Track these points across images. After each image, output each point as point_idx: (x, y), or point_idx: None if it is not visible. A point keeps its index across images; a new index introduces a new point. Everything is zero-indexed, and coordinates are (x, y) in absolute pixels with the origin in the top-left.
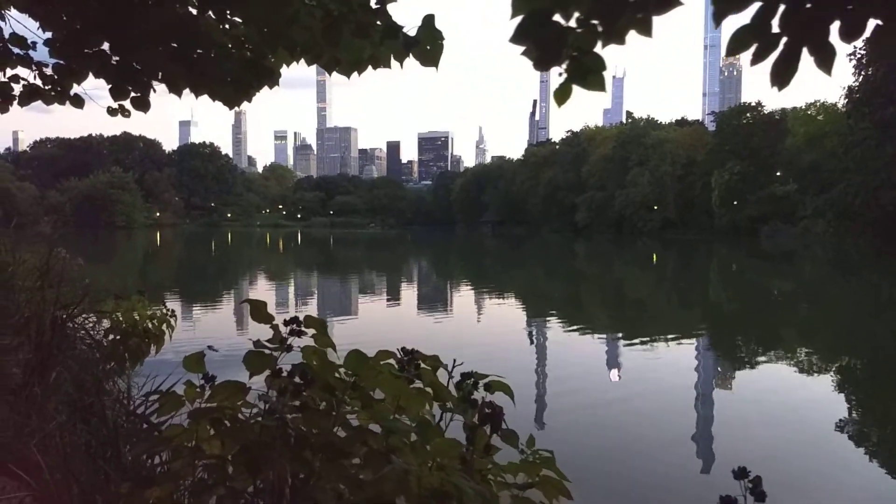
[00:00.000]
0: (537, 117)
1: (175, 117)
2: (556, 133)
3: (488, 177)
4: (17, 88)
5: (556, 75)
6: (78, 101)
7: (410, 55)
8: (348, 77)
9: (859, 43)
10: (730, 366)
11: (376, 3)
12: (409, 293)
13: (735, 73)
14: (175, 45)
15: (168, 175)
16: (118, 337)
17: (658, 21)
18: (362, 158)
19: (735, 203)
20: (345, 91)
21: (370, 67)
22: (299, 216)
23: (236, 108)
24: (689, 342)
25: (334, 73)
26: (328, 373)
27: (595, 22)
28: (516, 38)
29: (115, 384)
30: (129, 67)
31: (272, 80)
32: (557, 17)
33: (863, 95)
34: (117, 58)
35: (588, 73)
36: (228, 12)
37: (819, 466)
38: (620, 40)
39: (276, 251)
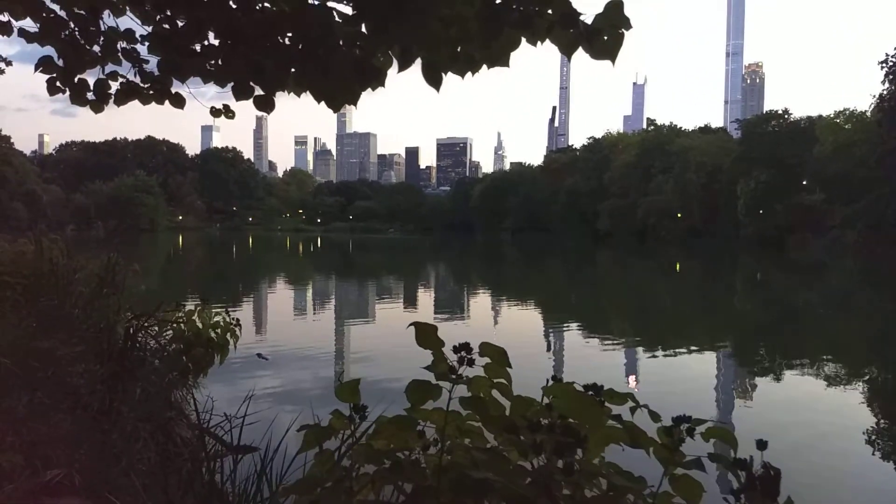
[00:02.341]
0: (556, 124)
1: (198, 122)
2: (576, 139)
3: (508, 183)
4: (115, 86)
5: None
6: (178, 101)
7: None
8: (462, 77)
9: (891, 50)
10: (751, 375)
11: None
12: (429, 298)
13: (758, 80)
14: (297, 39)
15: (191, 179)
16: (181, 346)
17: (680, 28)
18: (381, 164)
19: (761, 212)
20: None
21: (484, 66)
22: (319, 221)
23: (258, 114)
24: (711, 354)
25: None
26: (521, 409)
27: None
28: None
29: (185, 396)
30: (246, 64)
31: (379, 80)
32: None
33: (895, 103)
34: (242, 53)
35: None
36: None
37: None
38: None
39: (295, 255)
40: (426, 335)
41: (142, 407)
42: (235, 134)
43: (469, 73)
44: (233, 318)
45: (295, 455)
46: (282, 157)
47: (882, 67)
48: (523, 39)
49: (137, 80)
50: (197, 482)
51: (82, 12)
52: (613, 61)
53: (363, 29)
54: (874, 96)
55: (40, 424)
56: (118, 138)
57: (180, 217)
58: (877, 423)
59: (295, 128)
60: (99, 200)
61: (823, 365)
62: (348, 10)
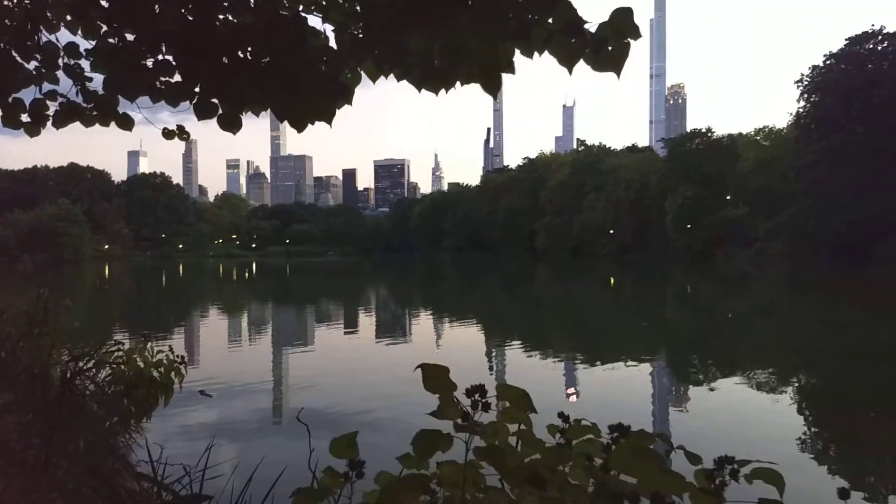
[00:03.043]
0: (492, 144)
1: (124, 147)
2: (511, 160)
3: (447, 203)
4: (53, 107)
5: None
6: (125, 122)
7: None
8: (436, 94)
9: (806, 70)
10: (683, 384)
11: None
12: (370, 321)
13: (680, 100)
14: (264, 53)
15: (117, 206)
16: (122, 388)
17: None
18: (318, 186)
19: (689, 227)
20: None
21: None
22: (254, 246)
23: (188, 139)
24: (645, 364)
25: None
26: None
27: None
28: None
29: (128, 443)
30: (210, 81)
31: (347, 98)
32: None
33: (811, 121)
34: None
35: None
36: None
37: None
38: None
39: (229, 282)
40: (435, 378)
41: (83, 459)
42: (164, 159)
43: (443, 91)
44: (177, 356)
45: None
46: (213, 182)
47: (798, 86)
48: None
49: (79, 99)
50: None
51: (15, 24)
52: (619, 73)
53: (336, 43)
54: (791, 114)
55: None
56: (38, 166)
57: (106, 246)
58: (804, 423)
59: (226, 151)
60: (19, 231)
61: (752, 371)
62: (318, 22)
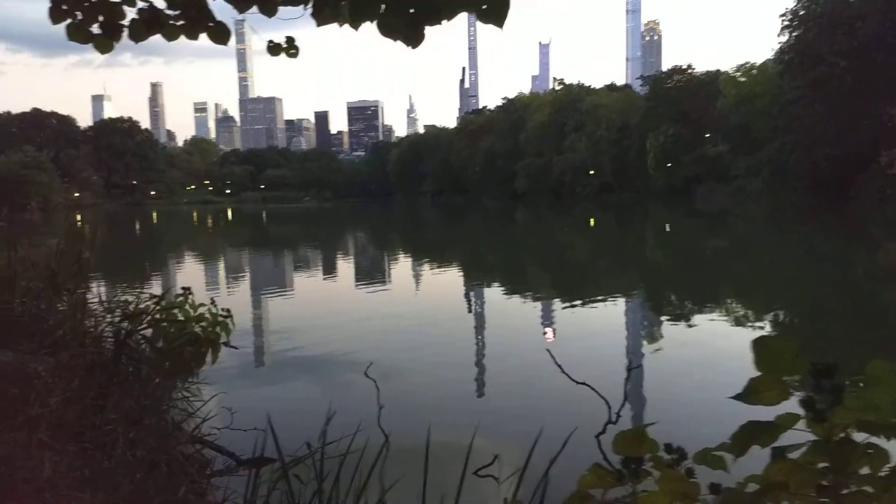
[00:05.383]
0: (467, 85)
1: (87, 92)
2: (486, 100)
3: (425, 146)
4: (131, 14)
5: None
6: (220, 33)
7: None
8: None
9: (791, 3)
10: (660, 320)
11: None
12: (358, 268)
13: (656, 37)
14: None
15: (85, 153)
16: (168, 346)
17: None
18: (290, 130)
19: (669, 165)
20: (267, 61)
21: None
22: (228, 192)
23: (153, 80)
24: (624, 300)
25: (255, 40)
26: None
27: None
28: None
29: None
30: None
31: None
32: None
33: (795, 56)
34: None
35: None
36: None
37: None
38: None
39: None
40: (775, 355)
41: (140, 428)
42: (129, 104)
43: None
44: (222, 309)
45: None
46: (181, 126)
47: (782, 21)
48: None
49: (164, 4)
50: None
51: None
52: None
53: None
54: (773, 49)
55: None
56: (0, 112)
57: (76, 194)
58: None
59: (193, 94)
60: None
61: (729, 306)
62: None
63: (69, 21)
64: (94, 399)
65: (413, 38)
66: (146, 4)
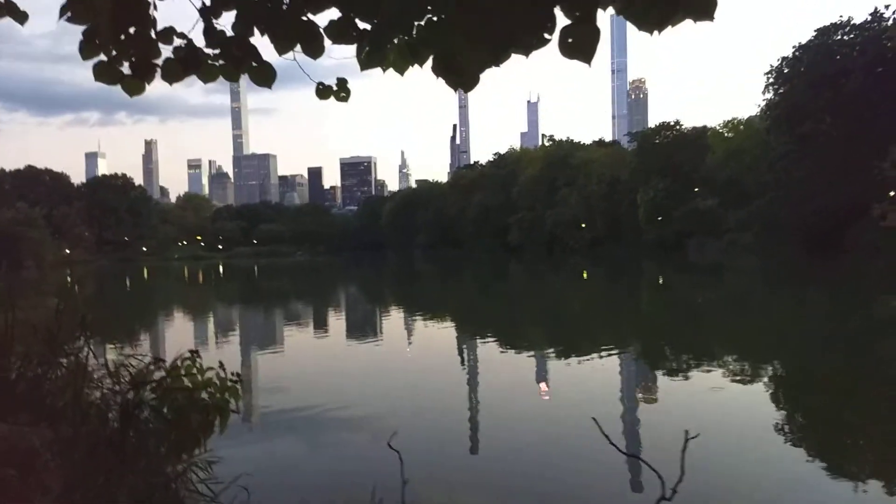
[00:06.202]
0: (458, 141)
1: (81, 149)
2: (478, 155)
3: (417, 200)
4: (166, 53)
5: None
6: (265, 74)
7: None
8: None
9: (775, 62)
10: (655, 374)
11: None
12: (341, 323)
13: (642, 95)
14: None
15: (78, 210)
16: (173, 416)
17: None
18: (283, 185)
19: (660, 219)
20: (261, 118)
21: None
22: (220, 247)
23: (147, 137)
24: (619, 354)
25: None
26: None
27: None
28: None
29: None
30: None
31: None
32: None
33: (781, 112)
34: None
35: None
36: None
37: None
38: None
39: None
40: None
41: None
42: (122, 161)
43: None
44: (232, 373)
45: None
46: (174, 183)
47: (768, 78)
48: None
49: (202, 43)
50: None
51: None
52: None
53: None
54: (759, 105)
55: None
56: None
57: (68, 251)
58: (774, 411)
59: (187, 152)
60: None
61: (724, 359)
62: None
63: (97, 61)
64: (97, 476)
65: (469, 81)
66: (184, 42)
